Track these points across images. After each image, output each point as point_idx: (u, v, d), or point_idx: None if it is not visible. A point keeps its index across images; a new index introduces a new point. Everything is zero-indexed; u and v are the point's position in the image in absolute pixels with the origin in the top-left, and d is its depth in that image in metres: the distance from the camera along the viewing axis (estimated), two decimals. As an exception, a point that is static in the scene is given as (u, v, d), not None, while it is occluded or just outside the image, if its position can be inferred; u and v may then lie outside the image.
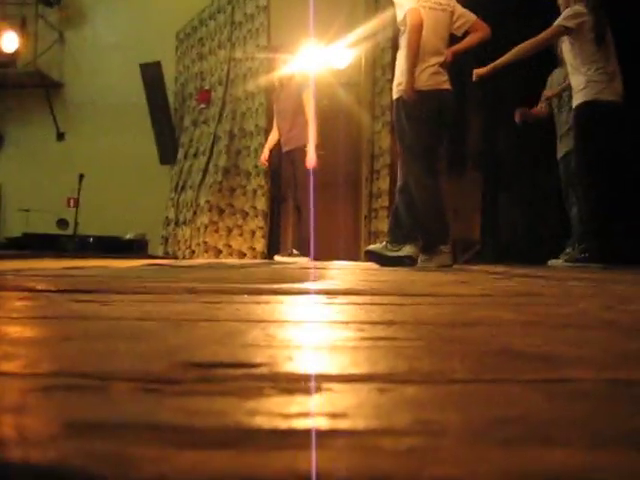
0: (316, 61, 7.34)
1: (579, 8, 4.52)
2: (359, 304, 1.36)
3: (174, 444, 0.36)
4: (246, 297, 1.46)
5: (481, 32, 4.36)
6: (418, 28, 4.14)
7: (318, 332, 0.92)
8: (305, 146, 6.33)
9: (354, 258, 7.64)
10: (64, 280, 2.13)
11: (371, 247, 4.86)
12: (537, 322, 1.01)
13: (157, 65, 9.48)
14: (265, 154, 6.92)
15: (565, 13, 4.57)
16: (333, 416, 0.43)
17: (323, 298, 1.49)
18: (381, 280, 2.34)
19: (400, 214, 4.47)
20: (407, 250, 4.38)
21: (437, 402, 0.48)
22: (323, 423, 0.41)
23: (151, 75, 9.50)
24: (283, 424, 0.41)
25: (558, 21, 4.58)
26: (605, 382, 0.54)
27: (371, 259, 4.69)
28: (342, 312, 1.22)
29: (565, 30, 4.50)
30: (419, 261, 4.38)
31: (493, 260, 6.20)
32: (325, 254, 6.70)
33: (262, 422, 0.41)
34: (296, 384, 0.53)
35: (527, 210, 6.73)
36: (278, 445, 0.37)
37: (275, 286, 1.86)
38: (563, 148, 5.23)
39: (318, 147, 6.47)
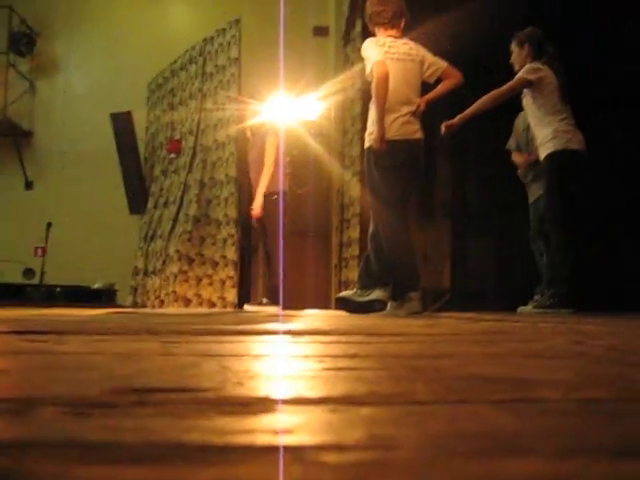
0: (286, 112, 7.40)
1: (537, 64, 4.65)
2: (324, 342, 1.31)
3: (82, 460, 0.31)
4: (208, 337, 1.40)
5: (453, 79, 4.39)
6: (384, 80, 4.17)
7: (277, 364, 0.87)
8: (273, 194, 6.29)
9: (325, 307, 7.57)
10: (20, 323, 2.05)
11: (341, 294, 4.81)
12: (507, 354, 0.97)
13: (128, 115, 9.47)
14: (258, 201, 6.71)
15: (525, 68, 4.68)
16: (276, 433, 0.38)
17: (288, 337, 1.44)
18: (349, 323, 2.30)
19: (370, 261, 4.44)
20: (377, 294, 4.32)
21: (394, 420, 0.43)
22: (264, 439, 0.37)
23: (122, 124, 9.48)
24: (218, 440, 0.36)
25: (520, 74, 4.68)
26: (574, 401, 0.50)
27: (341, 306, 4.63)
28: (305, 348, 1.17)
29: (527, 83, 4.59)
30: (388, 308, 4.30)
31: (463, 308, 6.19)
32: (296, 303, 6.64)
33: (194, 439, 0.36)
34: (242, 407, 0.49)
35: (497, 258, 6.74)
36: (208, 460, 0.32)
37: (239, 327, 1.80)
38: (532, 195, 5.29)
39: (295, 187, 6.47)
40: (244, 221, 7.34)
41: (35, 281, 8.45)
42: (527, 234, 5.40)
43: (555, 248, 4.51)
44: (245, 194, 6.95)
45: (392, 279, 4.30)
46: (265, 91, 7.21)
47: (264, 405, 0.49)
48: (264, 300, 6.52)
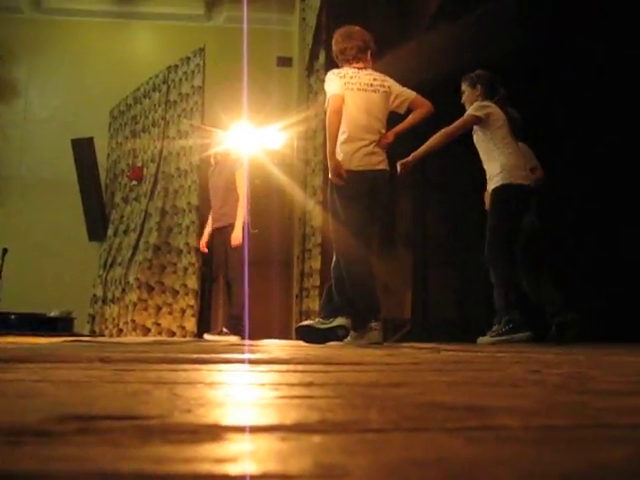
0: (249, 141, 7.40)
1: (486, 102, 4.75)
2: (281, 371, 1.28)
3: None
4: (163, 365, 1.37)
5: (423, 108, 4.39)
6: (335, 114, 4.17)
7: (230, 391, 0.84)
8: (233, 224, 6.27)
9: (285, 337, 7.52)
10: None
11: (302, 323, 4.78)
12: (465, 382, 0.95)
13: (89, 141, 9.39)
14: (204, 238, 6.74)
15: (473, 105, 4.78)
16: (219, 461, 0.36)
17: (244, 366, 1.41)
18: (308, 353, 2.27)
19: (332, 291, 4.42)
20: (339, 321, 4.30)
21: (346, 448, 0.41)
22: (205, 468, 0.34)
23: (83, 151, 9.39)
24: (157, 469, 0.34)
25: (468, 112, 4.77)
26: (532, 428, 0.49)
27: (302, 336, 4.58)
28: (261, 376, 1.14)
29: (475, 119, 4.67)
30: (349, 338, 4.26)
31: (424, 339, 6.19)
32: (256, 333, 6.57)
33: (132, 467, 0.34)
34: (188, 434, 0.46)
35: (457, 289, 6.77)
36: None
37: (195, 356, 1.76)
38: None
39: (251, 226, 6.43)
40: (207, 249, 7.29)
41: (-11, 308, 8.25)
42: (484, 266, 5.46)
43: (496, 282, 4.56)
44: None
45: (353, 309, 4.28)
46: (228, 120, 7.21)
47: (211, 433, 0.46)
48: (224, 330, 6.45)
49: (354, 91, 4.26)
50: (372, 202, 4.31)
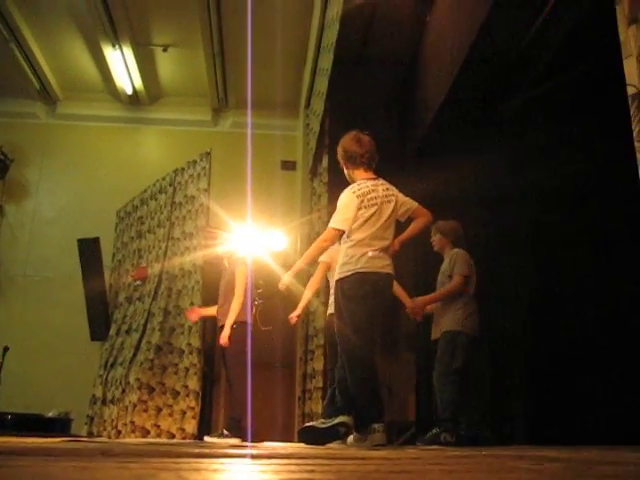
0: (254, 242, 7.49)
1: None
2: (282, 464, 1.29)
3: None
4: (166, 458, 1.37)
5: (424, 217, 4.52)
6: (323, 244, 4.44)
7: (234, 476, 0.86)
8: (235, 324, 6.25)
9: (288, 440, 7.37)
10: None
11: (304, 425, 4.74)
12: (467, 470, 0.96)
13: (95, 241, 9.51)
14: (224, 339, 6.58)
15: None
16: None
17: (247, 459, 1.41)
18: (309, 451, 2.25)
19: (335, 393, 4.42)
20: (340, 418, 4.24)
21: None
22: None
23: (88, 250, 9.49)
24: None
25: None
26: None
27: (303, 438, 4.51)
28: (263, 467, 1.15)
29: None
30: (351, 440, 4.21)
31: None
32: (258, 435, 6.44)
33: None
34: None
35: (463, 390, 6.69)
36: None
37: (198, 450, 1.76)
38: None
39: (260, 323, 6.43)
40: (208, 350, 7.26)
41: (-14, 408, 8.13)
42: (491, 368, 5.46)
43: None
44: (210, 323, 6.90)
45: (355, 410, 4.22)
46: (233, 221, 7.33)
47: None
48: (225, 432, 6.34)
49: (370, 207, 4.36)
50: (374, 303, 4.33)
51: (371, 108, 7.75)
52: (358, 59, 7.59)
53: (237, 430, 6.04)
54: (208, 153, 8.67)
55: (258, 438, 6.25)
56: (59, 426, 8.21)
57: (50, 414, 8.33)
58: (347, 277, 4.33)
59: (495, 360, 6.09)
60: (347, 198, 4.39)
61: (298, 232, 8.82)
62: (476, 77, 5.49)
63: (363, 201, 4.36)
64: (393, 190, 4.53)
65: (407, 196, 4.59)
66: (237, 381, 6.10)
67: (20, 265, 10.15)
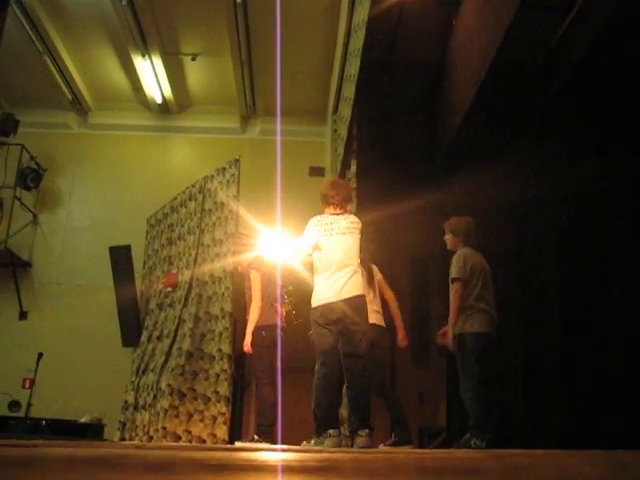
0: (282, 248, 7.51)
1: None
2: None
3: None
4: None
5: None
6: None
7: None
8: (262, 327, 6.27)
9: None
10: None
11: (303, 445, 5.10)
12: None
13: (127, 248, 9.61)
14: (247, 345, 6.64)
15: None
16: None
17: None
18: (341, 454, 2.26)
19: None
20: (328, 444, 4.60)
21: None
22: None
23: (120, 258, 9.60)
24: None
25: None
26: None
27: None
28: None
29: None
30: (312, 443, 4.80)
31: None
32: (289, 439, 6.46)
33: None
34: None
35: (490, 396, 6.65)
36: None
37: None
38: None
39: (292, 319, 6.46)
40: (238, 356, 7.28)
41: (21, 414, 8.26)
42: (518, 373, 5.43)
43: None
44: (241, 329, 6.92)
45: (316, 416, 4.84)
46: (262, 227, 7.37)
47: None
48: (255, 437, 6.36)
49: (333, 236, 4.91)
50: (330, 330, 4.78)
51: (399, 113, 7.76)
52: (385, 64, 7.60)
53: (267, 435, 6.06)
54: (237, 160, 8.71)
55: (288, 442, 6.26)
56: (92, 432, 8.31)
57: (83, 420, 8.44)
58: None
59: (531, 365, 6.05)
60: (310, 224, 5.04)
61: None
62: (504, 80, 5.48)
63: (326, 229, 4.93)
64: (358, 222, 5.01)
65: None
66: (261, 386, 6.13)
67: (53, 273, 10.32)
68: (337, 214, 5.02)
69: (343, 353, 4.76)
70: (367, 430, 4.57)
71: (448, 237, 5.39)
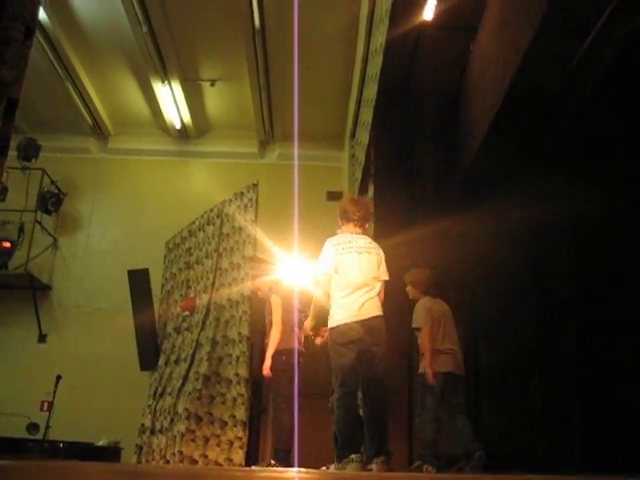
0: (300, 272, 7.52)
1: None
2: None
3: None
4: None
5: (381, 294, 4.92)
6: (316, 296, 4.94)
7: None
8: (282, 352, 6.25)
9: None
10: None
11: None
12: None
13: (145, 272, 9.66)
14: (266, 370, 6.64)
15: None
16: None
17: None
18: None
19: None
20: (350, 469, 4.44)
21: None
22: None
23: (138, 281, 9.65)
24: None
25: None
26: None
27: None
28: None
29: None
30: (332, 468, 4.66)
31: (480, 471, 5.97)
32: (308, 465, 6.42)
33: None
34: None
35: (509, 419, 6.58)
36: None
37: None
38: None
39: (301, 354, 6.41)
40: (255, 380, 7.25)
41: (39, 436, 8.28)
42: (536, 396, 5.40)
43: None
44: (258, 353, 6.91)
45: (338, 441, 4.67)
46: (279, 251, 7.39)
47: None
48: (272, 462, 6.33)
49: (351, 254, 4.81)
50: (355, 349, 4.63)
51: (416, 137, 7.78)
52: (403, 89, 7.65)
53: (284, 460, 6.02)
54: (255, 185, 8.76)
55: (308, 466, 6.21)
56: (109, 455, 8.31)
57: (100, 443, 8.44)
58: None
59: (547, 387, 6.02)
60: (327, 245, 4.91)
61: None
62: (521, 105, 5.49)
63: (345, 248, 4.84)
64: (378, 248, 4.95)
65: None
66: (279, 411, 6.10)
67: (73, 296, 10.39)
68: (356, 233, 4.95)
69: (362, 375, 4.66)
70: (383, 457, 4.43)
71: (409, 289, 5.85)
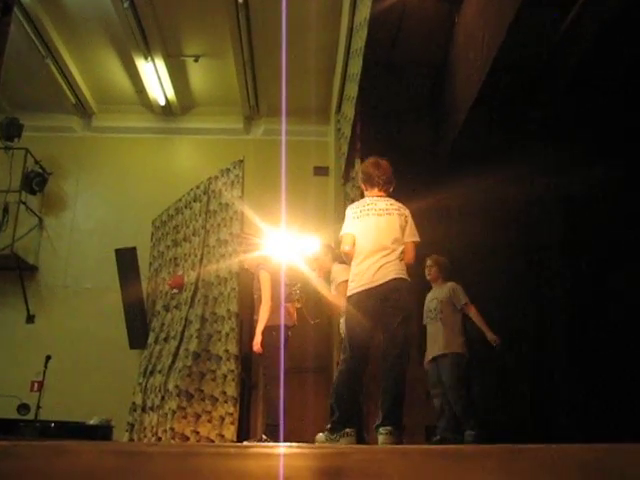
0: (287, 247, 7.51)
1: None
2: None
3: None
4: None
5: (406, 256, 4.61)
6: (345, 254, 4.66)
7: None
8: (272, 327, 6.24)
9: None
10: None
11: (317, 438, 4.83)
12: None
13: (132, 251, 9.63)
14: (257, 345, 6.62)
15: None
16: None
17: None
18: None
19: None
20: (343, 442, 4.36)
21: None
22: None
23: (126, 260, 9.62)
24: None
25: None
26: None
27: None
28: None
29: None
30: (325, 438, 4.50)
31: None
32: (295, 438, 6.47)
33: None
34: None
35: (499, 389, 6.64)
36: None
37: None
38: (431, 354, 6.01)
39: (289, 329, 6.42)
40: (245, 356, 7.28)
41: (30, 416, 8.29)
42: (530, 369, 5.45)
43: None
44: (247, 329, 6.93)
45: (333, 412, 4.51)
46: (267, 228, 7.38)
47: None
48: (263, 437, 6.37)
49: (369, 216, 4.63)
50: (373, 316, 4.46)
51: (402, 111, 7.75)
52: (387, 63, 7.59)
53: (276, 435, 6.06)
54: (241, 161, 8.73)
55: (296, 439, 6.24)
56: (100, 433, 8.33)
57: (92, 421, 8.46)
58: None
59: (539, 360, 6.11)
60: (347, 213, 4.77)
61: (332, 237, 8.83)
62: (506, 78, 5.47)
63: (363, 210, 4.67)
64: (404, 209, 4.74)
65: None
66: (273, 387, 6.12)
67: (60, 276, 10.35)
68: (379, 196, 4.75)
69: (383, 340, 4.46)
70: (390, 427, 4.22)
71: (433, 270, 5.99)
